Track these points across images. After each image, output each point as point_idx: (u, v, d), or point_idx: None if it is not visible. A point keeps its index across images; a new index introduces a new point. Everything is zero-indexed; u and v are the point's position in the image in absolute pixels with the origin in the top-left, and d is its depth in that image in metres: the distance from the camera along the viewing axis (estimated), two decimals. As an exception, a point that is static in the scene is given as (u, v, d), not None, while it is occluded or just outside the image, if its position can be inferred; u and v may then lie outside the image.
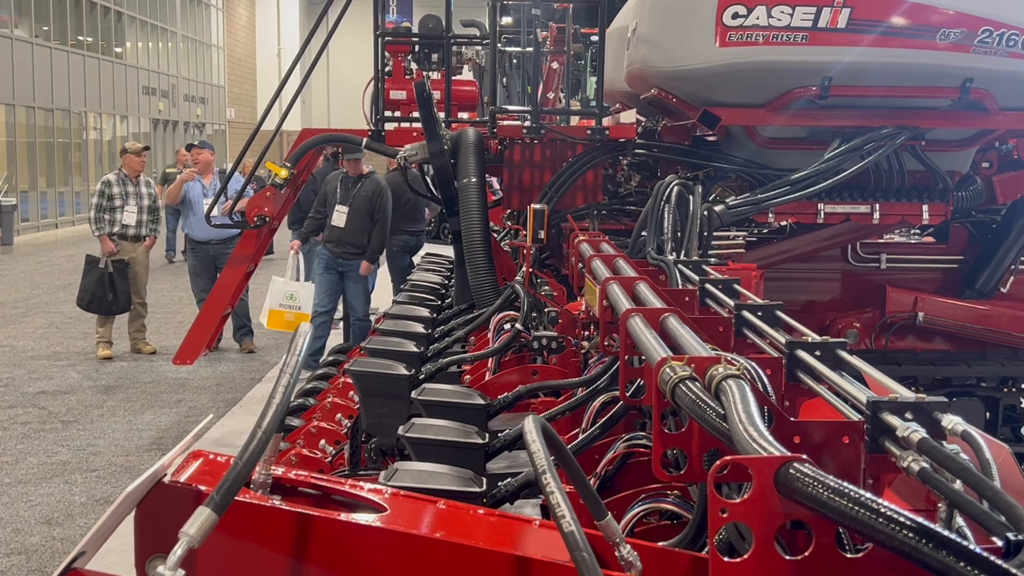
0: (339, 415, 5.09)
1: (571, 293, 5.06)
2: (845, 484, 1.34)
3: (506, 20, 13.14)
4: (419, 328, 4.91)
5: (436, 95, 6.49)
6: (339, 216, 10.07)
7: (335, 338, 10.45)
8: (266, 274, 11.12)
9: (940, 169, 5.46)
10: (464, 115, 8.49)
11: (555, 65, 9.82)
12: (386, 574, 1.77)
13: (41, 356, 11.34)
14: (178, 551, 1.41)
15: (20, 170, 26.50)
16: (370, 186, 10.03)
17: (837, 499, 1.32)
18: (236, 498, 1.60)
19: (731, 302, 2.80)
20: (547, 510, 2.54)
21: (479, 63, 9.70)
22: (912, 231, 6.65)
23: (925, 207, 5.46)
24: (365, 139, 6.72)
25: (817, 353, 2.16)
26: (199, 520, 1.45)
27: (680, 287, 3.41)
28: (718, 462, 1.49)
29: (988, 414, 6.00)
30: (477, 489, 2.47)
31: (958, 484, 1.50)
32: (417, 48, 8.13)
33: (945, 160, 5.51)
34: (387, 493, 1.94)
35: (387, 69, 7.45)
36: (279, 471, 1.88)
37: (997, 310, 6.11)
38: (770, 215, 5.32)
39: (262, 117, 7.62)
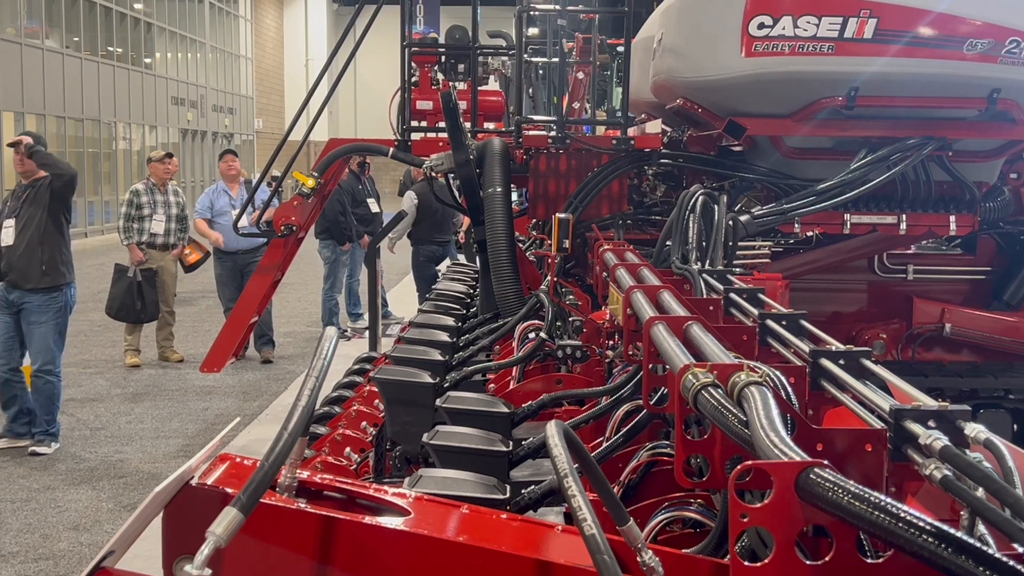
0: (364, 423, 5.10)
1: (596, 302, 5.06)
2: (865, 489, 1.35)
3: (532, 31, 13.20)
4: (444, 337, 4.92)
5: (462, 105, 6.52)
6: (7, 233, 7.91)
7: (359, 346, 10.44)
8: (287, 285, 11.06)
9: (967, 180, 5.43)
10: (490, 125, 8.52)
11: (581, 75, 9.85)
12: (409, 577, 1.79)
13: (70, 364, 11.43)
14: (205, 550, 1.42)
15: (50, 179, 26.73)
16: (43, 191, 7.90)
17: (857, 504, 1.32)
18: (262, 500, 1.62)
19: (755, 311, 2.80)
20: (571, 517, 2.56)
21: (505, 73, 9.72)
22: (943, 243, 6.61)
23: (952, 218, 5.43)
24: (391, 149, 6.76)
25: (841, 362, 2.16)
26: (226, 520, 1.47)
27: (704, 296, 3.41)
28: (739, 467, 1.50)
29: (1016, 426, 5.94)
30: (501, 496, 2.47)
31: (980, 492, 1.50)
32: (444, 59, 8.17)
33: (972, 171, 5.47)
34: (411, 497, 1.96)
35: (414, 79, 7.48)
36: (304, 475, 1.90)
37: (1025, 322, 6.05)
38: (796, 225, 5.30)
39: (290, 127, 7.68)
